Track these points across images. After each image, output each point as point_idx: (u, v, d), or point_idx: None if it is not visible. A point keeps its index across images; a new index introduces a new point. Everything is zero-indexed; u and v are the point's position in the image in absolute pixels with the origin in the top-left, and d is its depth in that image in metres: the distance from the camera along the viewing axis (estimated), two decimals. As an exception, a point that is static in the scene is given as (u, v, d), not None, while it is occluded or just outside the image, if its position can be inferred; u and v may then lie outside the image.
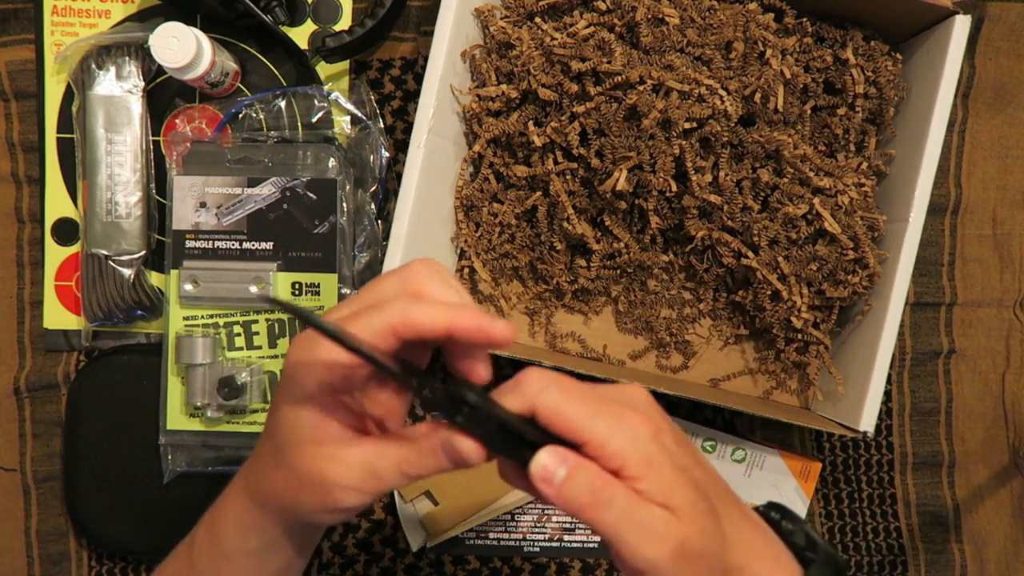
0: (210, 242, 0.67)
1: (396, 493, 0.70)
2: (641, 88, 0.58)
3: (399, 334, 0.34)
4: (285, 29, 0.69)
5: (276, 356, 0.67)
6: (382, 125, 0.70)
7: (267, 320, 0.67)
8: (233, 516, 0.40)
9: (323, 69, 0.71)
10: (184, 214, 0.67)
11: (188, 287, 0.66)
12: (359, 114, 0.70)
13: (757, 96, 0.61)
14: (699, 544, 0.34)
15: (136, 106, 0.68)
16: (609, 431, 0.34)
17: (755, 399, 0.69)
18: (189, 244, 0.67)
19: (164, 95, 0.70)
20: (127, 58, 0.68)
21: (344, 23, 0.71)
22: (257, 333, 0.67)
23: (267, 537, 0.40)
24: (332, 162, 0.67)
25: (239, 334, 0.67)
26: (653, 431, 0.35)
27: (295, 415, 0.36)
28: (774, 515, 0.42)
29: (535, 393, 0.34)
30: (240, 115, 0.70)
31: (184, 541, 0.43)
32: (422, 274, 0.36)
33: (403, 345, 0.34)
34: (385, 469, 0.35)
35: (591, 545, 0.72)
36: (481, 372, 0.36)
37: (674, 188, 0.60)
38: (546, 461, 0.34)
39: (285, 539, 0.40)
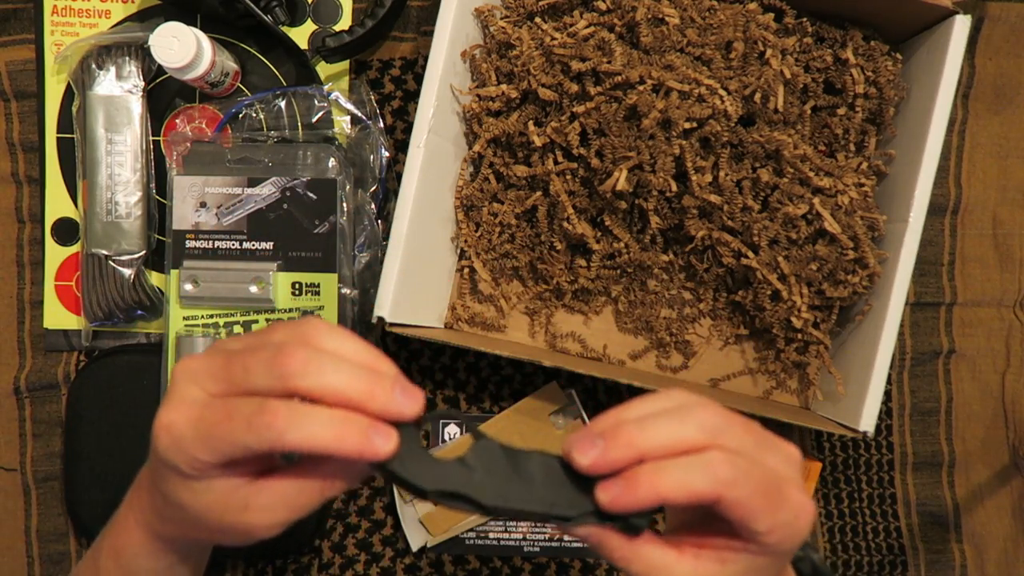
0: (210, 242, 0.67)
1: (396, 493, 0.70)
2: (641, 88, 0.58)
3: (277, 452, 0.33)
4: (285, 29, 0.69)
5: (276, 356, 0.67)
6: (382, 125, 0.70)
7: (267, 320, 0.67)
8: (138, 544, 0.40)
9: (323, 69, 0.71)
10: (184, 214, 0.67)
11: (188, 287, 0.66)
12: (359, 114, 0.70)
13: (757, 96, 0.61)
14: None
15: (136, 106, 0.68)
16: (777, 529, 0.34)
17: (755, 399, 0.69)
18: (189, 244, 0.67)
19: (164, 95, 0.70)
20: (127, 58, 0.68)
21: (344, 23, 0.71)
22: (257, 333, 0.67)
23: (179, 556, 0.40)
24: (332, 162, 0.67)
25: (239, 334, 0.67)
26: (808, 523, 0.35)
27: (185, 487, 0.34)
28: None
29: (712, 494, 0.33)
30: (240, 115, 0.70)
31: (84, 564, 0.43)
32: (318, 329, 0.34)
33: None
34: (308, 499, 0.34)
35: (591, 545, 0.72)
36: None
37: (674, 188, 0.60)
38: (583, 533, 0.35)
39: (196, 554, 0.42)
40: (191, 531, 0.37)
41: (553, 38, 0.61)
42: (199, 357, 0.35)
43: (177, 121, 0.71)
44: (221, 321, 0.67)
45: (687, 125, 0.58)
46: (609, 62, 0.58)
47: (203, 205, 0.67)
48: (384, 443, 0.33)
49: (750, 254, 0.63)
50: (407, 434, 0.34)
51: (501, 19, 0.66)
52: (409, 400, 0.33)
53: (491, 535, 0.71)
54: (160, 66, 0.63)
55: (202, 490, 0.34)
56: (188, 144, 0.68)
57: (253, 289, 0.66)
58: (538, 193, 0.65)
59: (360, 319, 0.68)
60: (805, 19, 0.65)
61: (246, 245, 0.66)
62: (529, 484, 0.34)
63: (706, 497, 0.33)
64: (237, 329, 0.67)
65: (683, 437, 0.34)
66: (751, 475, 0.33)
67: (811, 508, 0.35)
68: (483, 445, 0.35)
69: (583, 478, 0.34)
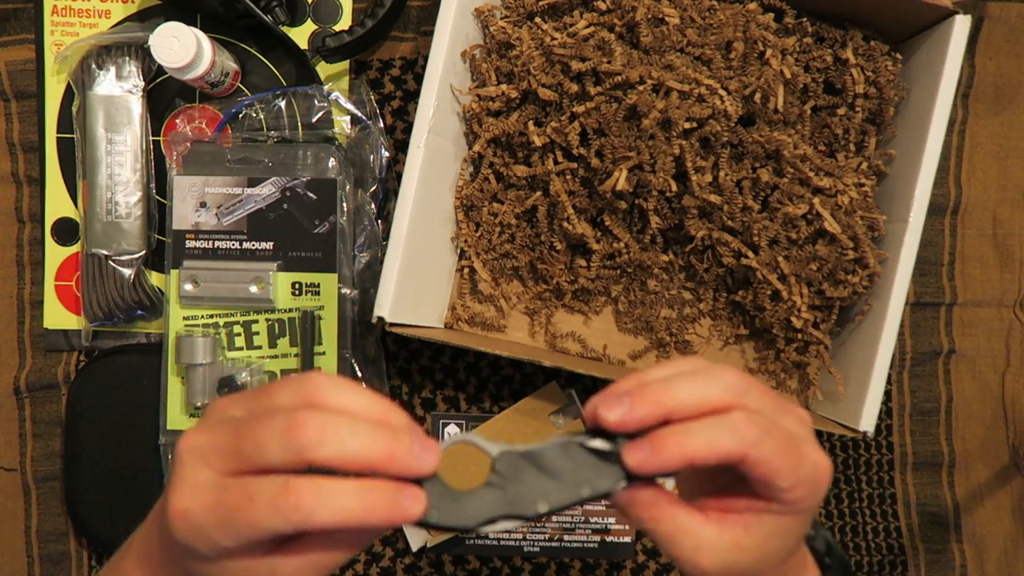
0: (210, 242, 0.67)
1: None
2: (641, 88, 0.58)
3: (304, 531, 0.32)
4: (285, 29, 0.69)
5: (276, 356, 0.67)
6: (382, 125, 0.70)
7: (267, 320, 0.67)
8: None
9: (323, 69, 0.71)
10: (184, 214, 0.67)
11: (188, 287, 0.66)
12: (359, 114, 0.70)
13: (757, 96, 0.61)
14: (751, 570, 0.36)
15: (136, 106, 0.68)
16: (799, 485, 0.34)
17: (755, 399, 0.69)
18: (189, 244, 0.67)
19: (164, 95, 0.70)
20: (127, 58, 0.68)
21: (344, 23, 0.71)
22: (257, 333, 0.67)
23: None
24: (332, 162, 0.67)
25: (239, 334, 0.67)
26: (827, 480, 0.36)
27: (212, 563, 0.33)
28: None
29: (738, 453, 0.33)
30: (240, 115, 0.70)
31: None
32: (323, 387, 0.33)
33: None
34: (336, 560, 0.34)
35: (591, 545, 0.72)
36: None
37: (674, 188, 0.60)
38: (638, 498, 0.35)
39: None
40: None
41: (553, 38, 0.61)
42: (203, 431, 0.33)
43: (177, 121, 0.71)
44: (221, 321, 0.67)
45: (687, 125, 0.58)
46: (609, 62, 0.58)
47: (203, 205, 0.67)
48: (413, 505, 0.32)
49: (750, 254, 0.63)
50: (429, 481, 0.34)
51: (501, 19, 0.66)
52: (428, 455, 0.33)
53: (491, 535, 0.71)
54: (160, 66, 0.63)
55: (226, 565, 0.33)
56: (188, 144, 0.68)
57: (253, 289, 0.66)
58: (538, 193, 0.65)
59: (360, 319, 0.68)
60: (805, 19, 0.65)
61: (246, 245, 0.66)
62: (560, 477, 0.34)
63: (733, 456, 0.33)
64: (237, 329, 0.67)
65: (709, 396, 0.34)
66: (773, 433, 0.34)
67: (828, 465, 0.36)
68: (502, 459, 0.35)
69: (604, 453, 0.35)
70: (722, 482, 0.37)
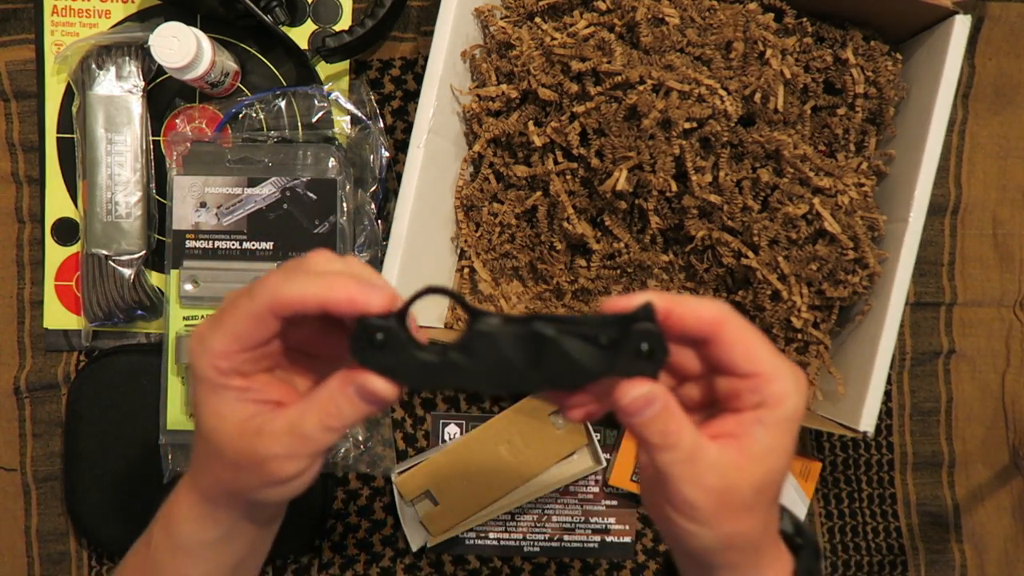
0: (210, 242, 0.67)
1: (396, 493, 0.70)
2: (641, 88, 0.58)
3: (276, 314, 0.34)
4: (285, 29, 0.69)
5: (276, 356, 0.67)
6: (382, 125, 0.70)
7: (267, 320, 0.67)
8: (186, 510, 0.40)
9: (323, 69, 0.71)
10: (184, 214, 0.67)
11: (188, 287, 0.66)
12: (359, 114, 0.70)
13: (757, 96, 0.61)
14: (751, 499, 0.35)
15: (136, 106, 0.68)
16: (781, 376, 0.35)
17: (755, 399, 0.69)
18: (189, 244, 0.67)
19: (164, 95, 0.70)
20: (127, 58, 0.68)
21: (344, 23, 0.71)
22: (257, 333, 0.67)
23: (223, 527, 0.40)
24: (332, 162, 0.67)
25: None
26: (805, 380, 0.37)
27: (211, 405, 0.36)
28: None
29: (716, 320, 0.34)
30: (240, 115, 0.70)
31: (140, 539, 0.43)
32: (316, 254, 0.37)
33: (295, 326, 0.36)
34: (310, 428, 0.35)
35: (591, 545, 0.72)
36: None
37: (674, 188, 0.60)
38: (638, 394, 0.34)
39: (242, 526, 0.41)
40: (220, 470, 0.37)
41: (553, 38, 0.61)
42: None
43: (177, 121, 0.71)
44: (221, 321, 0.67)
45: (687, 125, 0.58)
46: (609, 62, 0.58)
47: (203, 205, 0.67)
48: (377, 295, 0.34)
49: (750, 254, 0.63)
50: (394, 330, 0.34)
51: (501, 19, 0.66)
52: (379, 293, 0.35)
53: (491, 535, 0.71)
54: (160, 66, 0.63)
55: (227, 413, 0.36)
56: (188, 144, 0.68)
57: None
58: (538, 193, 0.65)
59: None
60: (805, 19, 0.65)
61: (246, 245, 0.66)
62: (527, 367, 0.34)
63: (711, 322, 0.34)
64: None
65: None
66: (743, 320, 0.35)
67: (804, 374, 0.37)
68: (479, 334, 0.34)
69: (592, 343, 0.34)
70: (708, 406, 0.37)
